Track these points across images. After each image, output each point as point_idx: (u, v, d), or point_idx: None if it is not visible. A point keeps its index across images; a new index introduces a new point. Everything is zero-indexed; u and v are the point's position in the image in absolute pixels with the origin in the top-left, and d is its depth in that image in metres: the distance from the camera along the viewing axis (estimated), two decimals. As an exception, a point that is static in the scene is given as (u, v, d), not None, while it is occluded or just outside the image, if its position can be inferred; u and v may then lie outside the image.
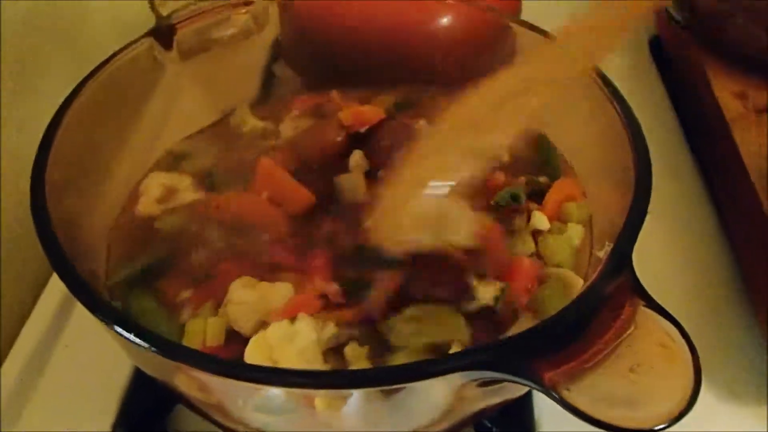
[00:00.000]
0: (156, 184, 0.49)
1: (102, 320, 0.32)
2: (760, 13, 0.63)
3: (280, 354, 0.38)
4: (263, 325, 0.40)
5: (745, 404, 0.48)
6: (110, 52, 0.47)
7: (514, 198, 0.46)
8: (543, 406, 0.47)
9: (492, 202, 0.46)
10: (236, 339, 0.40)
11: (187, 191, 0.49)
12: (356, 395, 0.33)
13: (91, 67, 0.45)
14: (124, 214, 0.48)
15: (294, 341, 0.38)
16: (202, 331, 0.40)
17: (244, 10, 0.55)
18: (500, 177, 0.48)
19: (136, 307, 0.42)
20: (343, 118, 0.51)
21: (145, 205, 0.48)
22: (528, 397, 0.47)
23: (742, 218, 0.56)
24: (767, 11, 0.62)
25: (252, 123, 0.55)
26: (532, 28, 0.52)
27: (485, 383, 0.32)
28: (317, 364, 0.38)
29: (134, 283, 0.43)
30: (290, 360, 0.37)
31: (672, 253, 0.58)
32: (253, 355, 0.38)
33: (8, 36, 0.56)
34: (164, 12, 0.52)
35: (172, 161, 0.52)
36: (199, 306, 0.42)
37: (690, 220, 0.61)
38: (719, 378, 0.49)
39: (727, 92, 0.60)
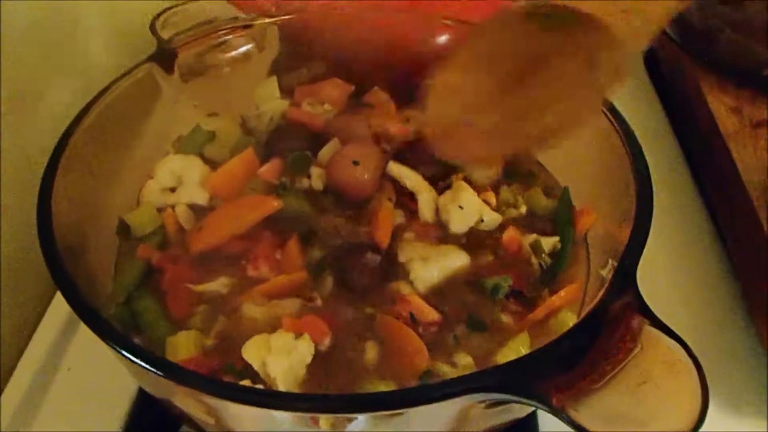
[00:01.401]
0: (168, 170, 0.50)
1: (109, 344, 0.32)
2: (747, 28, 0.64)
3: (274, 360, 0.38)
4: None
5: (745, 415, 0.48)
6: (108, 72, 0.47)
7: (494, 291, 0.44)
8: (548, 423, 0.47)
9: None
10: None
11: (193, 186, 0.50)
12: (362, 417, 0.33)
13: (91, 87, 0.46)
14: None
15: (290, 355, 0.39)
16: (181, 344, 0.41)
17: (243, 33, 0.55)
18: (512, 232, 0.47)
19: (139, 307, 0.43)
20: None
21: (150, 191, 0.49)
22: (533, 414, 0.47)
23: (740, 232, 0.56)
24: (754, 26, 0.63)
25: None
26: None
27: (492, 404, 0.32)
28: (299, 380, 0.39)
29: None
30: (279, 369, 0.38)
31: (670, 268, 0.58)
32: (250, 351, 0.39)
33: (8, 57, 0.56)
34: (165, 36, 0.52)
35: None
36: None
37: (688, 234, 0.62)
38: (720, 391, 0.49)
39: (722, 107, 0.61)
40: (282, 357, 0.39)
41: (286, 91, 0.58)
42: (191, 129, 0.54)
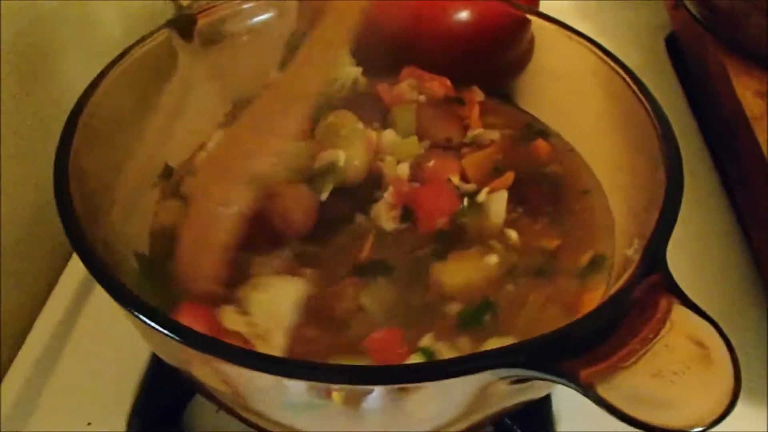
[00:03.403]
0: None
1: (124, 307, 0.32)
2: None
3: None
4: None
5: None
6: (119, 44, 0.46)
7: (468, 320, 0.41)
8: (562, 403, 0.47)
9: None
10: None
11: None
12: (379, 391, 0.33)
13: (100, 58, 0.45)
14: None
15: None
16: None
17: (263, 2, 0.54)
18: None
19: None
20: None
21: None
22: (548, 394, 0.47)
23: (760, 216, 0.55)
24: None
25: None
26: (550, 20, 0.51)
27: (515, 381, 0.32)
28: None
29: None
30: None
31: (688, 254, 0.58)
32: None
33: (22, 30, 0.55)
34: (184, 2, 0.51)
35: None
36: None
37: (706, 218, 0.61)
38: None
39: (747, 91, 0.60)
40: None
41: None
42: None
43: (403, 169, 0.48)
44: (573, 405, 0.47)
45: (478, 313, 0.41)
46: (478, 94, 0.55)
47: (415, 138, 0.50)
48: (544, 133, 0.53)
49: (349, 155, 0.47)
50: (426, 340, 0.39)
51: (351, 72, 0.55)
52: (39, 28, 0.58)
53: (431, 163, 0.49)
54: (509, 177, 0.48)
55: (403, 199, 0.46)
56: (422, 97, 0.54)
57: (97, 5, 0.68)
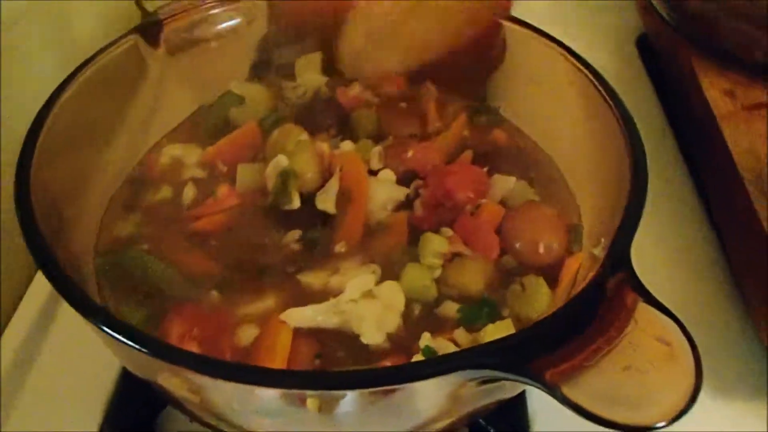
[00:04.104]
0: (168, 155, 0.51)
1: (91, 321, 0.31)
2: (742, 12, 0.63)
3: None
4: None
5: (742, 403, 0.48)
6: (94, 46, 0.46)
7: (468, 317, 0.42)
8: (537, 404, 0.47)
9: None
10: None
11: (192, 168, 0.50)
12: (351, 396, 0.33)
13: (74, 60, 0.44)
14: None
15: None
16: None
17: (231, 7, 0.54)
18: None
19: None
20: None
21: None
22: (522, 395, 0.47)
23: (732, 216, 0.56)
24: (750, 10, 0.63)
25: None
26: (521, 23, 0.52)
27: (483, 382, 0.32)
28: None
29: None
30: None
31: (661, 253, 0.58)
32: None
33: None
34: (150, 8, 0.51)
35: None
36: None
37: (679, 218, 0.61)
38: (714, 377, 0.49)
39: (716, 90, 0.60)
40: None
41: (276, 68, 0.57)
42: (221, 93, 0.54)
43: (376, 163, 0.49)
44: (549, 405, 0.47)
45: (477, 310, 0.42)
46: (432, 90, 0.56)
47: (368, 142, 0.51)
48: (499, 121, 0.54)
49: (299, 168, 0.47)
50: (425, 339, 0.39)
51: (316, 80, 0.55)
52: (8, 29, 0.58)
53: (410, 154, 0.50)
54: (468, 155, 0.50)
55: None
56: (376, 99, 0.55)
57: (69, 5, 0.67)
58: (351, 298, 0.40)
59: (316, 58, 0.57)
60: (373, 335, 0.39)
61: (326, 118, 0.52)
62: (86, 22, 0.69)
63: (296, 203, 0.46)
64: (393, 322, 0.40)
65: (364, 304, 0.40)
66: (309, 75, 0.56)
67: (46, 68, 0.61)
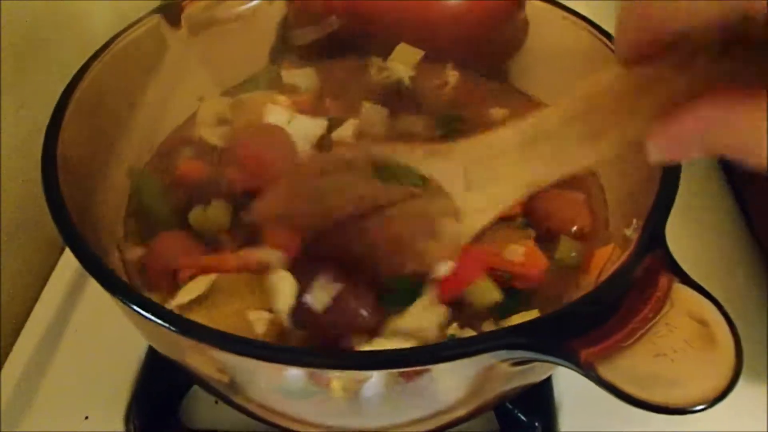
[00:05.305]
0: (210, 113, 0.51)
1: (119, 299, 0.31)
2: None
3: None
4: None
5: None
6: (111, 31, 0.45)
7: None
8: (563, 387, 0.47)
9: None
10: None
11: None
12: (380, 377, 0.32)
13: (92, 46, 0.44)
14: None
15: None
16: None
17: (252, -13, 0.53)
18: None
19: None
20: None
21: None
22: (549, 378, 0.46)
23: (762, 201, 0.55)
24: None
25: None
26: (544, -1, 0.51)
27: (515, 364, 0.31)
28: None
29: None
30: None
31: (689, 235, 0.57)
32: None
33: (8, 15, 0.55)
34: (171, -11, 0.50)
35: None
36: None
37: (708, 202, 0.60)
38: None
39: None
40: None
41: (297, 49, 0.56)
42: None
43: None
44: (575, 388, 0.46)
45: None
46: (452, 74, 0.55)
47: None
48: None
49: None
50: (453, 329, 0.39)
51: (403, 70, 0.54)
52: (29, 23, 0.58)
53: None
54: None
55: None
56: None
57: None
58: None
59: (416, 53, 0.56)
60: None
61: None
62: (106, 14, 0.69)
63: None
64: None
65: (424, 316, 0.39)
66: (399, 64, 0.55)
67: (65, 59, 0.61)
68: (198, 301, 0.37)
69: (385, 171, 0.37)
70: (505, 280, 0.41)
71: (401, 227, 0.37)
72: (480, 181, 0.35)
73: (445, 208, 0.36)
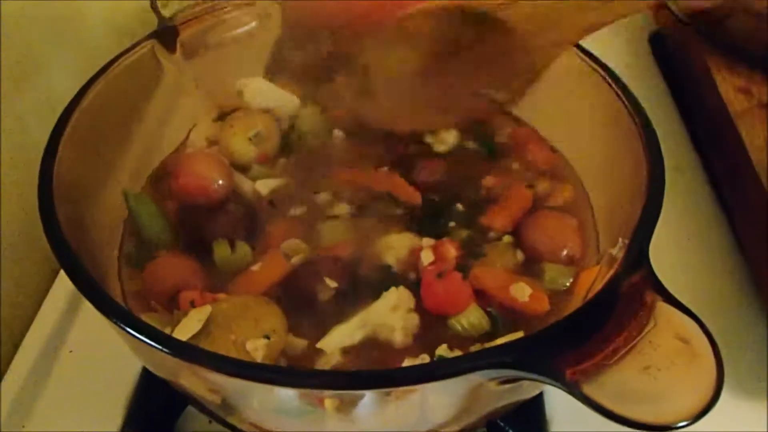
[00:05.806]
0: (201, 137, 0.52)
1: (113, 321, 0.32)
2: (759, 10, 0.63)
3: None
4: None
5: (761, 402, 0.48)
6: (107, 49, 0.46)
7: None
8: (555, 404, 0.47)
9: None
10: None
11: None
12: (370, 396, 0.33)
13: (89, 64, 0.45)
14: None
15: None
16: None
17: (246, 11, 0.54)
18: None
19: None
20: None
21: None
22: (540, 395, 0.47)
23: (748, 214, 0.56)
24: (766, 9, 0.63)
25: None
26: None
27: (503, 382, 0.32)
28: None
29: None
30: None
31: (677, 251, 0.58)
32: None
33: (7, 33, 0.55)
34: (166, 14, 0.51)
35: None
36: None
37: (695, 217, 0.61)
38: (732, 375, 0.49)
39: (731, 87, 0.60)
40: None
41: (291, 72, 0.57)
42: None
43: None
44: (566, 406, 0.47)
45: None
46: None
47: None
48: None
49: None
50: (442, 350, 0.39)
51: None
52: (23, 32, 0.58)
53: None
54: None
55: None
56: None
57: (82, 6, 0.68)
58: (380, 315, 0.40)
59: None
60: (402, 340, 0.40)
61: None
62: (96, 25, 0.69)
63: None
64: (413, 321, 0.40)
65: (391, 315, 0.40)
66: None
67: (61, 70, 0.62)
68: (195, 338, 0.37)
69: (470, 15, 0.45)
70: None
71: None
72: (546, 24, 0.44)
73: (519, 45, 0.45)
